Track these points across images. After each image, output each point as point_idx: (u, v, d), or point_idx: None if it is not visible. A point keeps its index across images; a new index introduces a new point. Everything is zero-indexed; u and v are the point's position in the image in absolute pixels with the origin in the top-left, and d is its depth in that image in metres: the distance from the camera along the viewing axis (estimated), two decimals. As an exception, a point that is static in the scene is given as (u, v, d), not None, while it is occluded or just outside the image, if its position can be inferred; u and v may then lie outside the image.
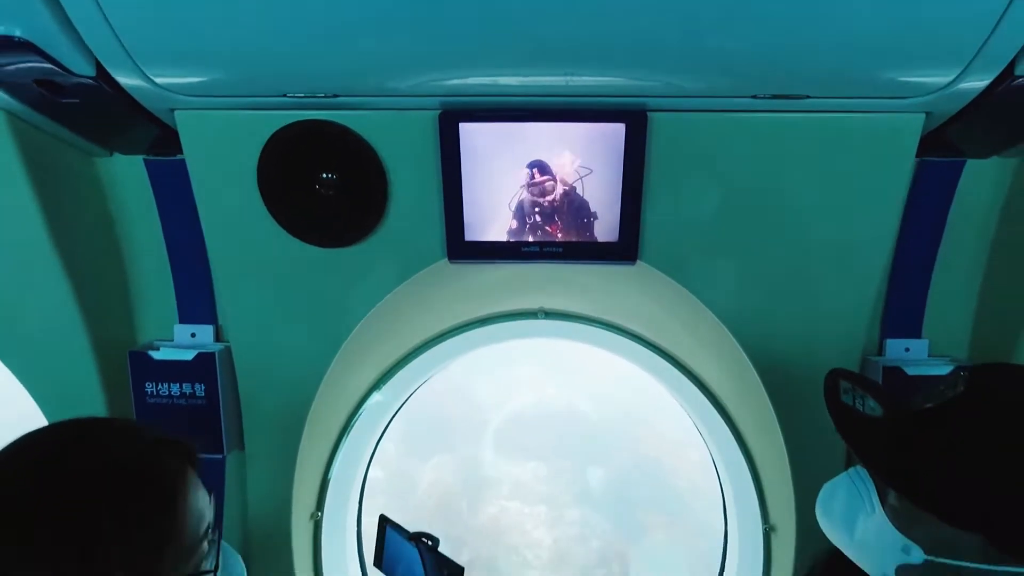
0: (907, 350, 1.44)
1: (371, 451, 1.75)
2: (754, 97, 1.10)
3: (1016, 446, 0.68)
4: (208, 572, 0.78)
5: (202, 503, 0.79)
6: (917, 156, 1.22)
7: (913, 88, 1.07)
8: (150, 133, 1.25)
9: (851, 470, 0.84)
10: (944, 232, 1.37)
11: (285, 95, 1.11)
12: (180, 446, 0.79)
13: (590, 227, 1.24)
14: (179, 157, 1.28)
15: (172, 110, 1.16)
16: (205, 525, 0.79)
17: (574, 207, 1.23)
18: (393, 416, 1.77)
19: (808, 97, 1.10)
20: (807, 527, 1.41)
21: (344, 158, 1.20)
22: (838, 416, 0.83)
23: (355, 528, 1.74)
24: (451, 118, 1.15)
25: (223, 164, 1.22)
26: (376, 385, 1.61)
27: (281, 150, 1.18)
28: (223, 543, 0.84)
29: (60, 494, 0.67)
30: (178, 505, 0.74)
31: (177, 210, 1.37)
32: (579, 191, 1.21)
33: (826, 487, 0.87)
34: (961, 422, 0.72)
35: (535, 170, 1.17)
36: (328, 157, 1.20)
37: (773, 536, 1.53)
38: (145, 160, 1.34)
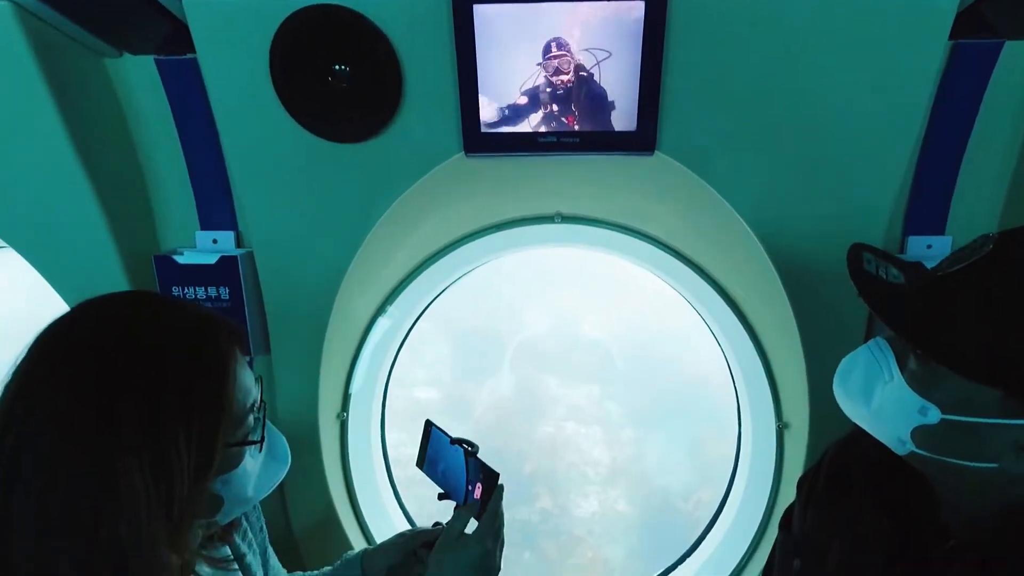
0: (929, 247, 1.41)
1: (394, 354, 1.79)
2: (781, -33, 1.05)
3: None
4: (256, 442, 0.82)
5: (249, 379, 0.82)
6: (950, 38, 1.17)
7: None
8: (159, 29, 1.23)
9: (871, 342, 0.83)
10: (976, 121, 1.32)
11: (295, -22, 1.09)
12: (228, 323, 0.81)
13: (607, 116, 1.21)
14: (190, 56, 1.26)
15: (180, -3, 1.14)
16: (251, 400, 0.82)
17: (591, 95, 1.20)
18: (416, 320, 1.80)
19: (838, -35, 1.05)
20: (820, 424, 1.44)
21: (357, 47, 1.17)
22: (862, 284, 0.81)
23: (379, 428, 1.81)
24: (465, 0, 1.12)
25: (234, 55, 1.20)
26: (397, 288, 1.63)
27: (292, 39, 1.16)
28: (268, 422, 0.88)
29: (126, 357, 0.69)
30: (229, 374, 0.76)
31: (192, 113, 1.36)
32: (596, 78, 1.18)
33: (844, 361, 0.87)
34: (985, 280, 0.72)
35: (553, 44, 1.14)
36: (340, 46, 1.18)
37: (786, 433, 1.56)
38: (156, 60, 1.33)
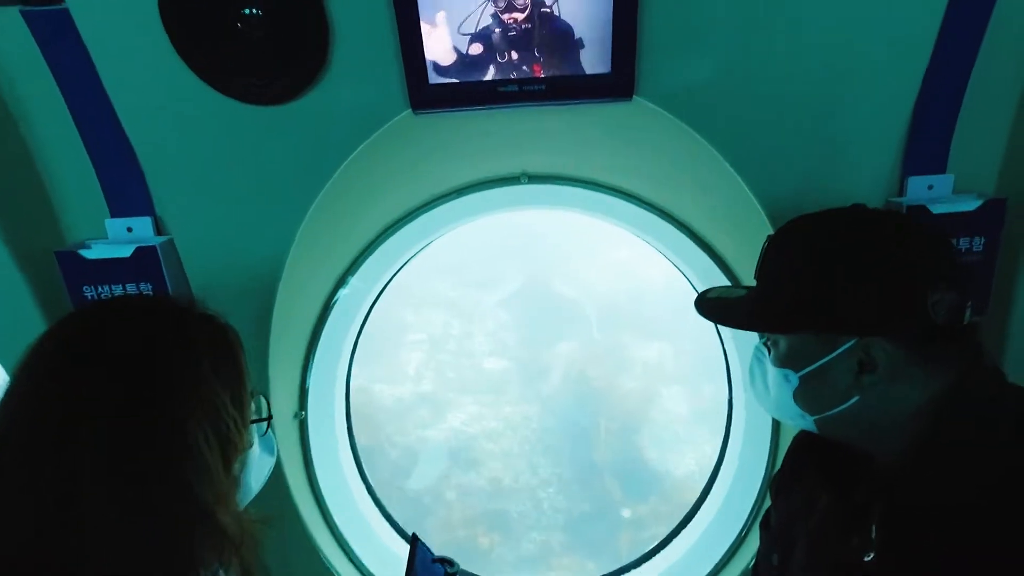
0: (930, 187, 1.30)
1: (354, 340, 1.62)
2: None
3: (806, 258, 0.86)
4: (267, 419, 0.87)
5: None
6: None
7: None
8: (19, -28, 0.99)
9: (754, 347, 0.96)
10: (978, 54, 1.19)
11: None
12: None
13: (575, 57, 1.03)
14: (61, 7, 1.03)
15: (31, -74, 0.90)
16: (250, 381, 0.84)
17: (555, 33, 1.02)
18: (376, 300, 1.63)
19: None
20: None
21: (267, -15, 0.96)
22: (708, 312, 0.97)
23: (345, 426, 1.66)
24: (396, -82, 0.91)
25: (116, 6, 0.98)
26: (349, 270, 1.45)
27: (185, -23, 0.94)
28: None
29: (163, 339, 0.73)
30: (242, 352, 0.82)
31: (78, 77, 1.12)
32: (557, 12, 1.00)
33: (747, 371, 1.00)
34: (765, 262, 0.92)
35: (502, -31, 0.95)
36: (247, -15, 0.96)
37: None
38: (23, 12, 1.08)
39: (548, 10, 0.98)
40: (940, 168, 1.29)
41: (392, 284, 1.62)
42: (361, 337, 1.63)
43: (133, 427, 0.67)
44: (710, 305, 0.98)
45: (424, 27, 0.99)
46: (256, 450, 0.86)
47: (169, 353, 0.72)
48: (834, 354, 0.81)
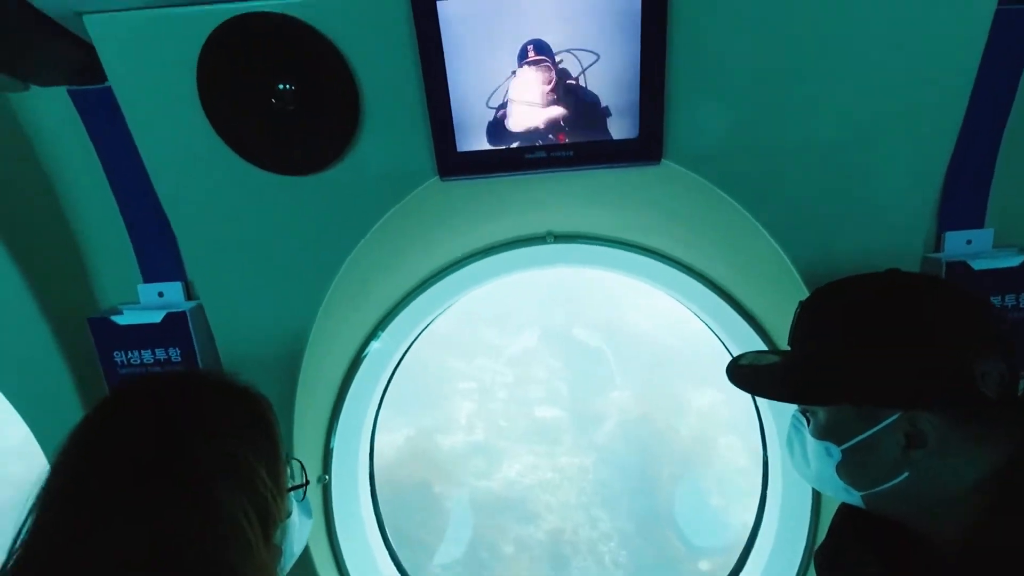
0: (969, 243, 1.26)
1: (378, 401, 1.60)
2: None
3: (830, 323, 0.86)
4: (303, 485, 0.90)
5: None
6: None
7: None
8: (67, 54, 1.03)
9: (791, 417, 0.94)
10: (1013, 104, 1.17)
11: (216, -18, 0.89)
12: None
13: (602, 124, 1.04)
14: (105, 85, 1.07)
15: (79, 15, 0.94)
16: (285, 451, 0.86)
17: (580, 104, 1.02)
18: (399, 363, 1.61)
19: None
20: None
21: (301, 61, 0.98)
22: (741, 381, 0.93)
23: (368, 486, 1.62)
24: (425, -3, 0.93)
25: (154, 82, 1.01)
26: (374, 333, 1.44)
27: (222, 57, 0.97)
28: None
29: (198, 423, 0.74)
30: (275, 423, 0.84)
31: (118, 149, 1.16)
32: (583, 83, 1.00)
33: (785, 441, 0.97)
34: (799, 332, 0.92)
35: (529, 48, 0.96)
36: (282, 61, 0.99)
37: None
38: (69, 91, 1.13)
39: (574, 82, 0.99)
40: (978, 223, 1.26)
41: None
42: (393, 392, 1.61)
43: (173, 518, 0.66)
44: (743, 373, 0.95)
45: (452, 98, 1.00)
46: (295, 517, 0.87)
47: (205, 437, 0.72)
48: (877, 428, 0.78)
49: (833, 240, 1.16)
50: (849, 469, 0.82)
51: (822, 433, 0.84)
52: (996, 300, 1.21)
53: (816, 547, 1.03)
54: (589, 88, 0.99)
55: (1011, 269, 1.20)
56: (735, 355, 1.03)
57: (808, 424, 0.88)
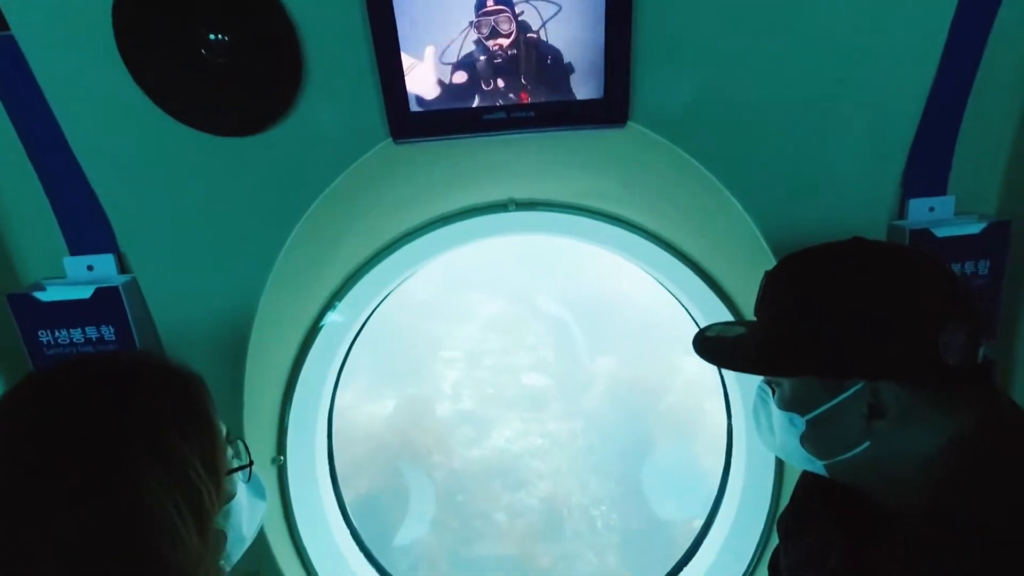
0: (931, 209, 1.26)
1: (335, 379, 1.54)
2: None
3: (797, 297, 0.83)
4: (247, 466, 0.84)
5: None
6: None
7: None
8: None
9: (756, 387, 0.92)
10: (978, 71, 1.16)
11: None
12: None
13: (565, 83, 0.97)
14: (5, 33, 0.95)
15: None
16: (225, 430, 0.82)
17: (543, 59, 0.96)
18: (355, 339, 1.55)
19: None
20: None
21: (235, 10, 0.89)
22: (707, 353, 0.92)
23: (328, 470, 1.56)
24: (372, -63, 0.84)
25: (64, 28, 0.90)
26: (329, 304, 1.37)
27: (143, 3, 0.86)
28: None
29: (120, 412, 0.69)
30: (211, 404, 0.79)
31: (27, 106, 1.04)
32: (544, 37, 0.94)
33: (751, 411, 0.96)
34: (766, 301, 0.89)
35: (488, -2, 0.88)
36: (212, 10, 0.89)
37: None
38: (-32, 40, 1.00)
39: (535, 35, 0.92)
40: (941, 190, 1.26)
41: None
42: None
43: (95, 511, 0.64)
44: (709, 346, 0.94)
45: (404, 56, 0.92)
46: (242, 498, 0.83)
47: (133, 426, 0.69)
48: (840, 398, 0.77)
49: (800, 206, 1.14)
50: (812, 439, 0.82)
51: (787, 404, 0.83)
52: (957, 267, 1.22)
53: (779, 514, 1.04)
54: (551, 43, 0.93)
55: (972, 236, 1.22)
56: (701, 326, 1.02)
57: (773, 395, 0.87)
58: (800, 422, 0.82)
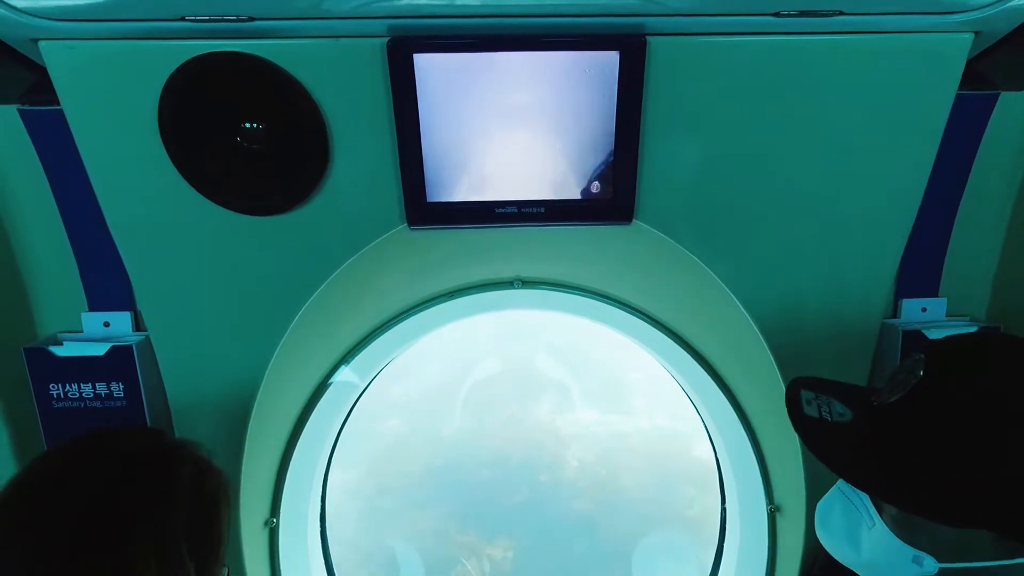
0: (924, 310, 1.30)
1: (331, 447, 1.55)
2: (777, 15, 0.90)
3: (990, 431, 0.63)
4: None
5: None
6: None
7: (962, 1, 0.89)
8: (19, 74, 0.98)
9: (840, 483, 0.79)
10: (969, 178, 1.22)
11: (183, 19, 0.86)
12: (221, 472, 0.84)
13: (575, 183, 1.03)
14: (56, 107, 1.01)
15: (35, 40, 0.89)
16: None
17: (555, 161, 1.02)
18: (352, 406, 1.57)
19: (841, 13, 0.91)
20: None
21: (270, 102, 0.95)
22: (804, 432, 0.77)
23: (319, 532, 1.56)
24: (402, 47, 0.92)
25: (113, 113, 0.96)
26: (331, 374, 1.39)
27: (186, 94, 0.93)
28: None
29: (136, 498, 0.71)
30: (219, 518, 0.80)
31: (70, 173, 1.10)
32: (558, 142, 1.00)
33: (821, 504, 0.82)
34: (927, 413, 0.67)
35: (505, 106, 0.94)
36: (249, 101, 0.96)
37: (779, 517, 1.41)
38: (20, 111, 1.07)
39: (549, 141, 0.99)
40: (933, 291, 1.30)
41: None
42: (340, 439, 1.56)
43: None
44: (812, 432, 0.76)
45: (424, 148, 0.98)
46: None
47: (151, 518, 0.70)
48: (1010, 563, 0.63)
49: (796, 303, 1.18)
50: None
51: (912, 536, 0.68)
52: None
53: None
54: (564, 148, 0.99)
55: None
56: (789, 380, 0.85)
57: (869, 499, 0.72)
58: (932, 566, 0.66)
